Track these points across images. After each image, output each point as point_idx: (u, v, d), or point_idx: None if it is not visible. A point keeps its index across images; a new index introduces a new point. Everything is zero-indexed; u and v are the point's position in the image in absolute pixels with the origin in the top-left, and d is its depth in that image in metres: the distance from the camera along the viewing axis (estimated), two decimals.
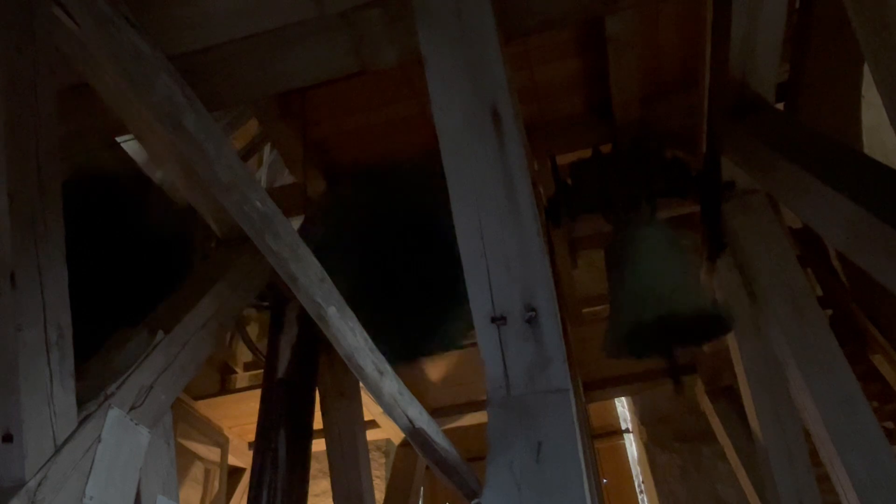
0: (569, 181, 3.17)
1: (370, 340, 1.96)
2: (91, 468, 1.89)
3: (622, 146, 3.31)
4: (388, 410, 2.00)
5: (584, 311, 4.37)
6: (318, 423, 3.21)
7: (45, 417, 1.78)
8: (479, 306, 1.80)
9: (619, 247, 2.95)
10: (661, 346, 2.90)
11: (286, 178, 5.20)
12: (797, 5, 3.13)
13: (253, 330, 5.08)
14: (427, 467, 4.68)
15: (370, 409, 3.92)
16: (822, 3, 2.98)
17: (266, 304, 3.39)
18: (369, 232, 3.11)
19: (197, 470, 5.22)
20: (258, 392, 3.21)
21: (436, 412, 4.62)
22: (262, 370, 3.38)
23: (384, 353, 2.03)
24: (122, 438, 2.03)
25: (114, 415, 2.01)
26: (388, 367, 1.99)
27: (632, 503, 6.32)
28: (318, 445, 3.18)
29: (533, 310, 1.75)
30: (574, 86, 3.48)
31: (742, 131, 2.59)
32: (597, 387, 4.43)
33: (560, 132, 3.53)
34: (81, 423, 1.91)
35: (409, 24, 2.08)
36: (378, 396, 1.96)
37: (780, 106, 3.11)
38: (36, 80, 1.94)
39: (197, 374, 2.52)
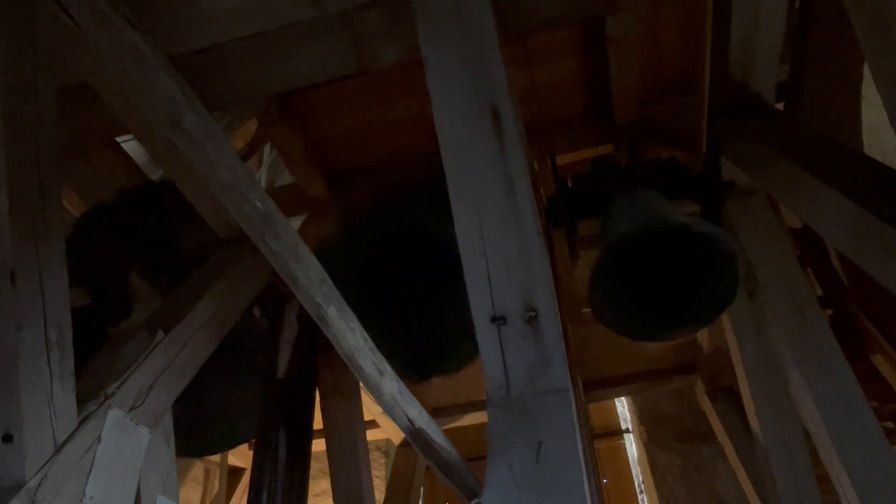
0: (569, 183, 3.17)
1: (370, 340, 1.96)
2: (91, 468, 1.89)
3: (622, 148, 3.32)
4: (388, 410, 2.00)
5: (584, 311, 4.36)
6: (318, 423, 3.21)
7: (45, 417, 1.78)
8: (479, 306, 1.80)
9: (613, 211, 2.85)
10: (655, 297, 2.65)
11: (286, 178, 5.21)
12: (797, 5, 3.13)
13: None
14: (427, 467, 4.68)
15: (370, 409, 3.92)
16: (822, 3, 2.98)
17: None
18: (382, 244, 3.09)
19: (197, 470, 5.23)
20: None
21: (436, 412, 4.62)
22: None
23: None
24: (122, 438, 2.03)
25: (114, 415, 2.01)
26: (388, 367, 1.99)
27: (632, 503, 6.33)
28: (318, 445, 3.18)
29: (533, 310, 1.75)
30: (574, 86, 3.48)
31: (742, 131, 2.59)
32: (597, 387, 4.44)
33: (560, 132, 3.53)
34: (81, 423, 1.90)
35: (409, 24, 2.08)
36: (378, 396, 1.96)
37: (780, 106, 3.11)
38: (36, 80, 1.94)
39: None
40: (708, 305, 2.67)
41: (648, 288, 2.65)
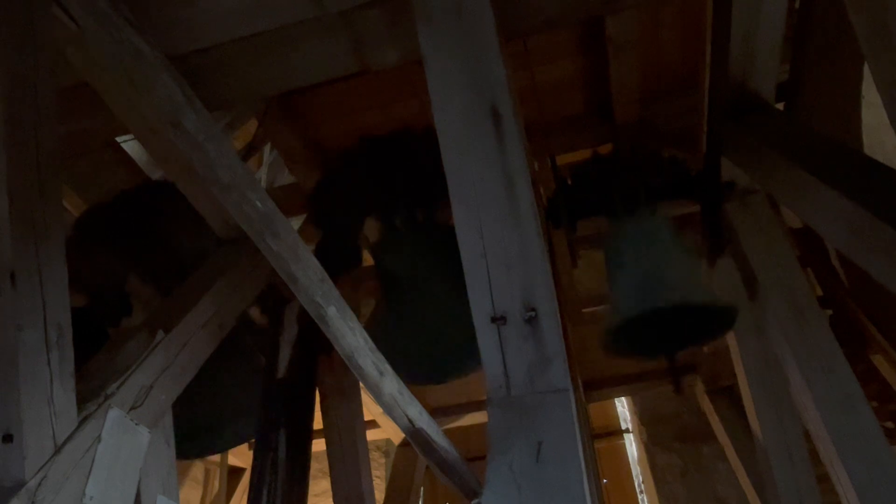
0: (569, 182, 3.17)
1: (370, 340, 1.96)
2: (91, 468, 1.89)
3: (622, 146, 3.31)
4: (388, 410, 2.00)
5: (584, 311, 4.36)
6: (318, 423, 3.21)
7: (45, 417, 1.78)
8: (479, 306, 1.80)
9: (618, 241, 2.94)
10: (661, 344, 2.87)
11: (286, 178, 5.20)
12: (797, 5, 3.13)
13: None
14: (427, 467, 4.68)
15: (370, 409, 3.92)
16: (822, 3, 2.98)
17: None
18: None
19: (197, 470, 5.23)
20: None
21: (436, 412, 4.62)
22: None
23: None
24: (122, 438, 2.03)
25: (114, 415, 2.01)
26: (388, 367, 1.99)
27: (632, 503, 6.33)
28: (318, 445, 3.18)
29: (533, 310, 1.75)
30: (574, 86, 3.48)
31: (742, 131, 2.59)
32: (597, 387, 4.43)
33: (560, 132, 3.52)
34: (81, 423, 1.90)
35: (409, 24, 2.08)
36: (378, 396, 1.96)
37: (780, 106, 3.11)
38: (36, 80, 1.94)
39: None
40: (707, 332, 2.86)
41: (652, 321, 2.75)
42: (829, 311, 3.80)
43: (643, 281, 2.72)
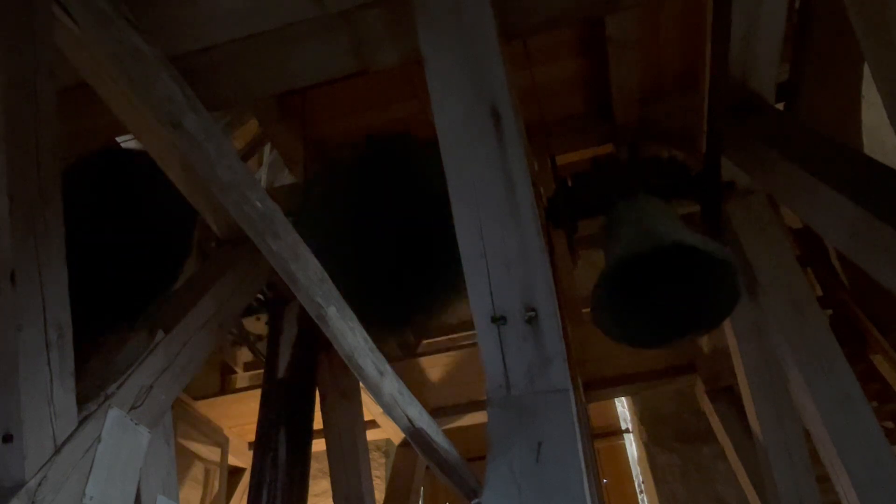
0: (569, 182, 3.17)
1: (370, 340, 1.96)
2: (91, 468, 1.89)
3: (622, 147, 3.32)
4: (388, 410, 2.00)
5: (584, 311, 4.36)
6: (318, 423, 3.21)
7: (45, 417, 1.78)
8: (479, 306, 1.80)
9: (616, 215, 2.86)
10: (660, 331, 2.71)
11: (286, 178, 5.21)
12: (797, 5, 3.13)
13: None
14: (427, 467, 4.68)
15: (370, 409, 3.92)
16: (822, 3, 2.98)
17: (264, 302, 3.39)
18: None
19: (197, 470, 5.22)
20: (258, 392, 3.21)
21: (436, 412, 4.62)
22: (262, 370, 3.38)
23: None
24: (122, 438, 2.03)
25: (114, 415, 2.01)
26: (388, 368, 1.99)
27: (632, 503, 6.32)
28: (318, 445, 3.19)
29: (533, 310, 1.75)
30: (574, 86, 3.48)
31: (742, 131, 2.59)
32: (597, 387, 4.43)
33: (560, 132, 3.53)
34: (81, 423, 1.91)
35: (409, 24, 2.08)
36: (378, 396, 1.96)
37: (780, 106, 3.11)
38: (36, 80, 1.94)
39: (197, 374, 2.51)
40: (707, 316, 2.70)
41: (649, 298, 2.67)
42: (829, 311, 3.80)
43: (636, 232, 2.58)
